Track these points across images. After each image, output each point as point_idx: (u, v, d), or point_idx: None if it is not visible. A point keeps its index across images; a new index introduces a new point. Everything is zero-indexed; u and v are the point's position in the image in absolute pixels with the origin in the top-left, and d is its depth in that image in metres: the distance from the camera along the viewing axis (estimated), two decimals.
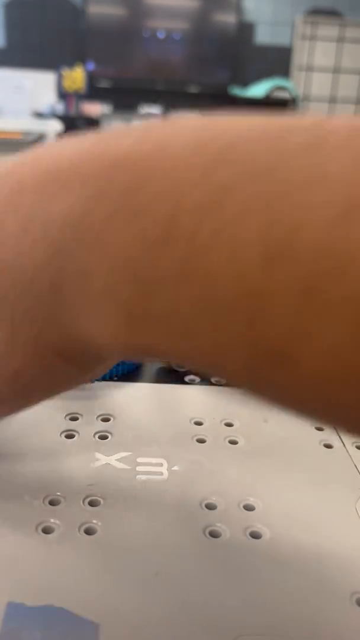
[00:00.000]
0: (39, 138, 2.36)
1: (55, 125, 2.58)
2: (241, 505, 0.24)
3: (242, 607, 0.19)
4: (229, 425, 0.29)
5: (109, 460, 0.26)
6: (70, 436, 0.27)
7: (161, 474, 0.25)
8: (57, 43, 3.70)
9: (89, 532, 0.22)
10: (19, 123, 2.64)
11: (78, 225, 0.15)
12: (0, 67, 3.42)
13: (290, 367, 0.12)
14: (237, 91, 3.74)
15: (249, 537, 0.22)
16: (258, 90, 3.68)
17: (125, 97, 3.75)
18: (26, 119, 2.99)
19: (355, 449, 0.28)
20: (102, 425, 0.28)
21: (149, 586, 0.19)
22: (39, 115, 3.33)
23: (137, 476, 0.25)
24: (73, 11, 3.62)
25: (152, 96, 3.73)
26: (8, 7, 3.58)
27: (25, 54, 3.67)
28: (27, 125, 2.60)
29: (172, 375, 0.34)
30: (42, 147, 0.18)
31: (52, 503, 0.23)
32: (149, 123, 0.17)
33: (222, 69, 3.76)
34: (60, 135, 2.54)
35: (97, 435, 0.28)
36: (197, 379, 0.34)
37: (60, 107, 3.48)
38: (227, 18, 3.66)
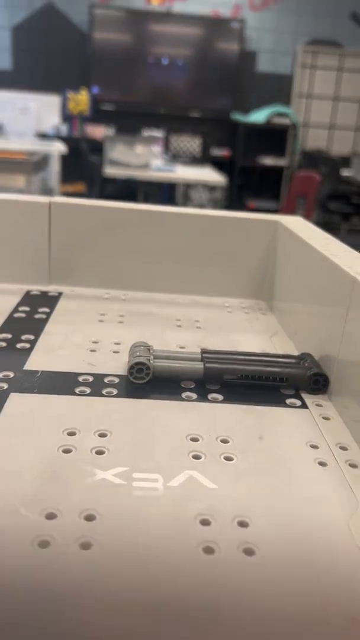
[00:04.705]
0: (43, 158, 2.39)
1: (59, 147, 2.61)
2: (235, 522, 0.24)
3: (236, 622, 0.19)
4: (224, 442, 0.30)
5: (106, 475, 0.26)
6: (67, 451, 0.28)
7: (157, 489, 0.25)
8: (63, 67, 3.78)
9: (84, 546, 0.22)
10: (24, 143, 2.68)
11: None
12: (7, 89, 3.48)
13: None
14: (238, 117, 3.81)
15: (243, 553, 0.22)
16: (259, 116, 3.74)
17: (129, 120, 3.82)
18: (31, 140, 3.04)
19: (349, 467, 0.28)
20: (99, 441, 0.29)
21: (144, 602, 0.19)
22: (44, 136, 3.38)
23: (133, 491, 0.25)
24: (79, 36, 3.71)
25: (154, 120, 3.79)
26: (16, 31, 3.67)
27: (31, 77, 3.75)
28: (31, 145, 2.64)
29: (169, 391, 0.34)
30: None
31: (49, 517, 0.23)
32: None
33: (223, 95, 3.84)
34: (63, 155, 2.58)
35: (94, 451, 0.28)
36: (194, 396, 0.34)
37: (64, 129, 3.54)
38: (230, 46, 3.74)
